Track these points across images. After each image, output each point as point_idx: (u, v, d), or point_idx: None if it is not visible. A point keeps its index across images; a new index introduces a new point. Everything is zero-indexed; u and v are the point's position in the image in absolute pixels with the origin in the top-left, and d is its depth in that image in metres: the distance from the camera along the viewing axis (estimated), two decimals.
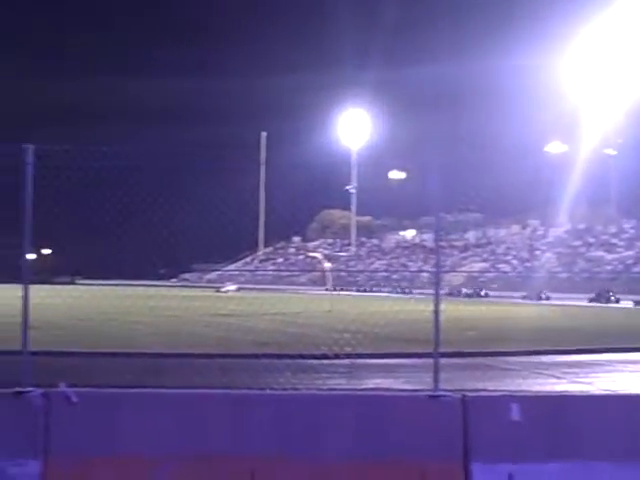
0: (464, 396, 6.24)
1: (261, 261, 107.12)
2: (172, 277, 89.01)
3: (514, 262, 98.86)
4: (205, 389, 7.60)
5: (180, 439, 6.09)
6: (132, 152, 7.27)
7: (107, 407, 6.28)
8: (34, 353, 6.56)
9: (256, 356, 15.03)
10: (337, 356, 14.91)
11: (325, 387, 11.72)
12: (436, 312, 6.50)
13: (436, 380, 6.42)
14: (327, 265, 62.57)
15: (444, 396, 6.26)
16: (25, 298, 6.53)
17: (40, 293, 6.73)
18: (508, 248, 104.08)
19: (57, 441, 6.05)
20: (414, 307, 33.09)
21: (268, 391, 8.47)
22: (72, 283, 67.05)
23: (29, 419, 6.11)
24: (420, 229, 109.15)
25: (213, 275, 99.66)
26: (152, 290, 56.45)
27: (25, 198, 6.40)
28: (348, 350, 15.20)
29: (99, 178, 7.50)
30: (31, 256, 6.84)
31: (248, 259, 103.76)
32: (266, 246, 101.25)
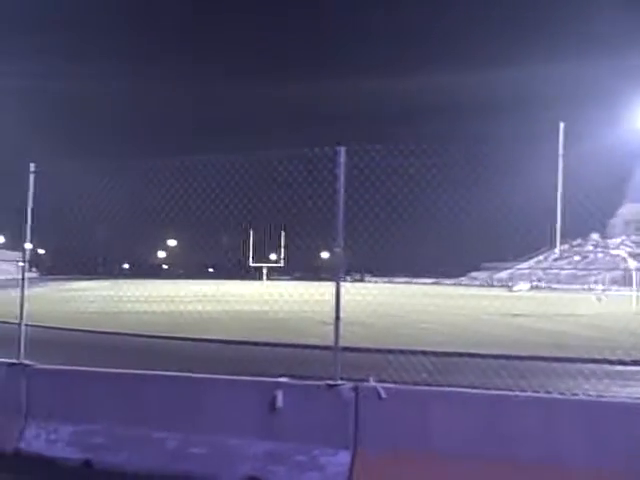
0: None
1: (556, 259, 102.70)
2: (460, 275, 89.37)
3: None
4: (505, 391, 7.58)
5: (486, 440, 6.21)
6: (434, 150, 7.59)
7: (414, 403, 6.58)
8: (344, 348, 7.16)
9: (548, 359, 14.68)
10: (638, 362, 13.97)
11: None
12: None
13: None
14: (632, 264, 58.03)
15: None
16: (337, 295, 7.17)
17: (333, 289, 7.37)
18: None
19: (365, 433, 6.51)
20: None
21: (582, 396, 8.22)
22: (361, 280, 70.59)
23: (340, 411, 6.64)
24: None
25: (504, 274, 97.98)
26: (440, 288, 57.32)
27: (338, 198, 7.03)
28: None
29: (405, 176, 7.95)
30: (326, 254, 7.46)
31: (541, 257, 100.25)
32: (562, 243, 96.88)
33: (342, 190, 7.01)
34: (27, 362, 7.94)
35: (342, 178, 7.01)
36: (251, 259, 58.37)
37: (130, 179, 9.00)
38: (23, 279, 8.55)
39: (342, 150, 7.04)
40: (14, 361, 7.97)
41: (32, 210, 8.37)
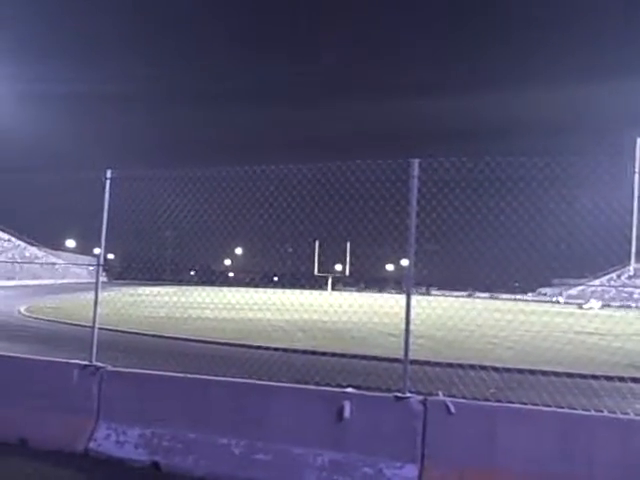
0: None
1: (630, 277, 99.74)
2: (529, 291, 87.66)
3: None
4: (579, 410, 7.34)
5: (557, 460, 6.08)
6: (508, 163, 7.48)
7: (484, 419, 6.48)
8: (412, 361, 7.09)
9: (625, 379, 14.23)
10: None
11: None
12: None
13: None
14: None
15: None
16: (407, 307, 7.10)
17: (402, 301, 7.33)
18: None
19: (433, 448, 6.45)
20: None
21: None
22: (427, 294, 70.18)
23: (408, 424, 6.59)
24: None
25: (574, 291, 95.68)
26: (509, 304, 56.25)
27: (410, 211, 7.02)
28: None
29: (480, 190, 7.86)
30: (391, 266, 7.45)
31: (614, 275, 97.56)
32: (636, 261, 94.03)
33: (415, 203, 6.99)
34: (99, 364, 8.14)
35: (415, 191, 6.99)
36: (316, 269, 58.58)
37: (201, 186, 9.14)
38: (97, 284, 8.76)
39: (415, 162, 7.03)
40: (87, 363, 8.18)
41: (107, 216, 8.58)
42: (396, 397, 6.73)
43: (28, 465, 7.36)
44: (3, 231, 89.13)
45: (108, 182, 8.48)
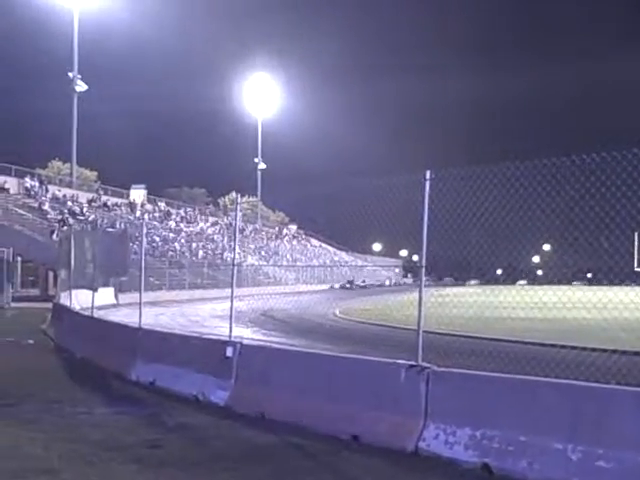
0: None
1: None
2: None
3: None
4: None
5: None
6: None
7: None
8: None
9: None
10: None
11: None
12: None
13: None
14: None
15: None
16: None
17: None
18: None
19: None
20: None
21: None
22: None
23: None
24: None
25: None
26: None
27: None
28: None
29: None
30: None
31: None
32: None
33: None
34: (425, 364, 8.41)
35: None
36: (636, 263, 54.42)
37: (516, 182, 9.00)
38: (420, 284, 9.03)
39: None
40: (413, 363, 8.50)
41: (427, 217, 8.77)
42: None
43: (361, 460, 7.84)
44: (315, 238, 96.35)
45: (428, 183, 8.67)
